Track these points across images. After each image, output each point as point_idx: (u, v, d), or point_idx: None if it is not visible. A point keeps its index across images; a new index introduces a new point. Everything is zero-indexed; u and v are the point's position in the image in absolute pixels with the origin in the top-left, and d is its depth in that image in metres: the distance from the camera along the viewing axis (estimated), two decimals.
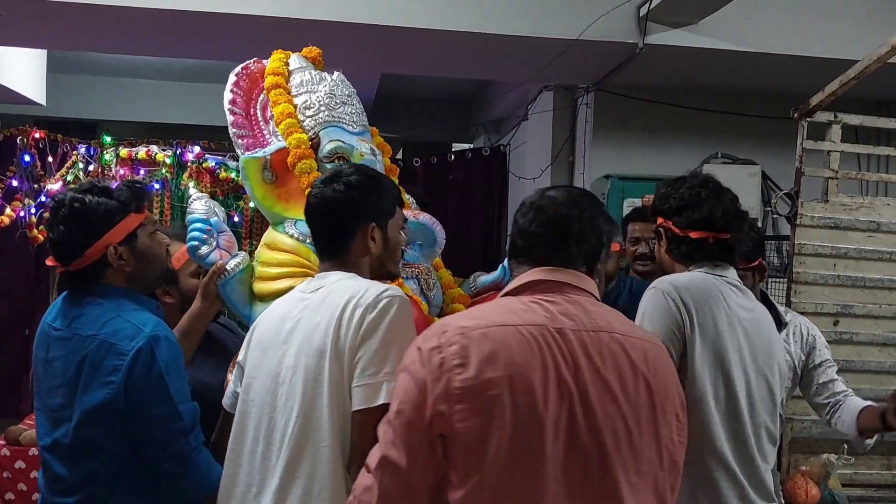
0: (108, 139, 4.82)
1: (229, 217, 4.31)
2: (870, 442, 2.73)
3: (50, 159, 4.85)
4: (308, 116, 2.53)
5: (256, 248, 2.53)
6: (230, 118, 2.56)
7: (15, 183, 4.73)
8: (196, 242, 2.39)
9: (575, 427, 1.46)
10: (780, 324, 2.73)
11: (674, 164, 5.22)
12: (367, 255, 1.93)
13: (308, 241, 2.26)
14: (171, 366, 1.94)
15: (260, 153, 2.47)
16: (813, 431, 3.31)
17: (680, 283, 2.12)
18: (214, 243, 2.41)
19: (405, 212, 2.40)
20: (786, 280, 3.47)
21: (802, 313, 3.13)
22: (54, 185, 4.62)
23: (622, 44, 4.41)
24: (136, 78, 7.44)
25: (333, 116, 2.54)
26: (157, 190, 4.62)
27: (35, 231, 4.70)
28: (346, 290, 1.81)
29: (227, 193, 4.53)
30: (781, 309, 2.86)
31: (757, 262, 2.67)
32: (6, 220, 4.60)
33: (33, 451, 3.63)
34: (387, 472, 1.48)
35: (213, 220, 2.43)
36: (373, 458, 1.51)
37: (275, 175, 2.47)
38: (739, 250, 2.26)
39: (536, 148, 5.95)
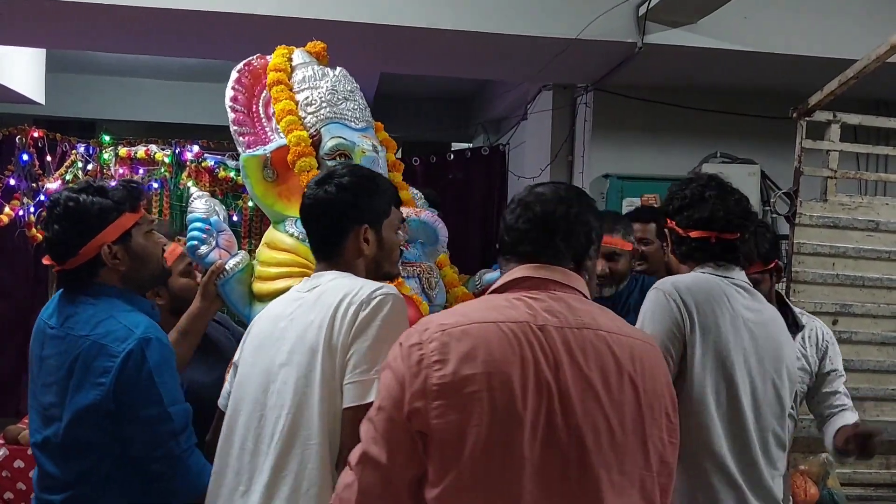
0: (107, 138, 4.82)
1: (228, 216, 4.30)
2: (850, 459, 2.65)
3: (49, 158, 4.85)
4: (309, 113, 2.52)
5: (255, 248, 2.52)
6: (231, 116, 2.55)
7: (13, 182, 4.73)
8: (195, 242, 2.38)
9: (553, 425, 1.44)
10: (797, 327, 2.69)
11: (673, 164, 5.24)
12: (361, 256, 1.93)
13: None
14: (162, 367, 1.94)
15: (260, 151, 2.46)
16: (812, 431, 3.30)
17: (682, 283, 2.10)
18: (214, 243, 2.40)
19: (406, 210, 2.40)
20: (785, 279, 3.47)
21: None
22: (53, 185, 4.61)
23: (621, 43, 4.41)
24: (135, 77, 7.43)
25: (335, 113, 2.52)
26: (156, 189, 4.62)
27: (34, 230, 4.70)
28: (340, 288, 1.81)
29: (227, 192, 4.53)
30: (797, 311, 2.80)
31: (773, 264, 2.62)
32: (5, 220, 4.60)
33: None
34: (367, 468, 1.48)
35: (213, 219, 2.42)
36: (354, 454, 1.52)
37: (275, 173, 2.46)
38: (746, 251, 2.23)
39: (536, 147, 5.95)
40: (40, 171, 4.82)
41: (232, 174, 4.53)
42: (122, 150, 4.69)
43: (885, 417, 3.44)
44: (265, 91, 2.62)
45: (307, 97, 2.55)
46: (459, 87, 7.34)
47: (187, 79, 7.42)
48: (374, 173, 2.08)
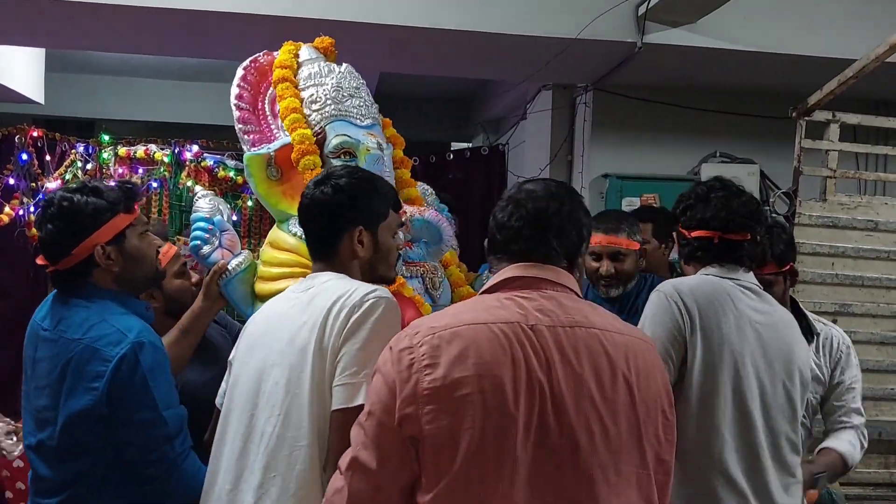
0: (107, 138, 4.82)
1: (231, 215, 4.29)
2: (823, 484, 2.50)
3: (48, 158, 4.84)
4: (314, 111, 2.50)
5: (254, 247, 2.51)
6: (236, 114, 2.53)
7: (12, 181, 4.72)
8: (198, 241, 2.38)
9: (546, 425, 1.43)
10: (811, 334, 2.59)
11: (672, 164, 5.24)
12: (356, 258, 1.92)
13: None
14: (156, 371, 1.93)
15: (264, 150, 2.44)
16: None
17: (684, 285, 2.08)
18: (217, 242, 2.39)
19: (411, 208, 2.39)
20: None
21: None
22: (52, 184, 4.61)
23: (621, 43, 4.41)
24: (134, 77, 7.42)
25: (340, 110, 2.51)
26: (155, 189, 4.62)
27: (34, 230, 4.69)
28: (334, 290, 1.81)
29: (226, 192, 4.54)
30: (812, 317, 2.71)
31: (788, 266, 2.53)
32: (5, 219, 4.59)
33: None
34: (357, 474, 1.47)
35: (217, 218, 2.41)
36: (344, 459, 1.51)
37: (279, 171, 2.44)
38: (755, 253, 2.19)
39: (535, 147, 5.94)
40: (39, 171, 4.82)
41: (231, 174, 4.54)
42: (122, 150, 4.69)
43: (883, 417, 3.45)
44: (271, 88, 2.59)
45: (312, 94, 2.53)
46: (459, 87, 7.34)
47: (187, 78, 7.41)
48: (374, 175, 2.07)
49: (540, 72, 4.96)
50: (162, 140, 4.84)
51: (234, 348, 1.97)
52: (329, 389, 1.72)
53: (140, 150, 4.67)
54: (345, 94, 2.54)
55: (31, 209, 4.72)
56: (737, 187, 2.20)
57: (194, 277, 2.52)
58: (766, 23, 4.45)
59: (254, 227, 4.58)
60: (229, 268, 2.35)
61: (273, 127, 2.55)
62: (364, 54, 4.75)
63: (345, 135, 2.45)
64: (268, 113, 2.59)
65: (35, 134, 4.83)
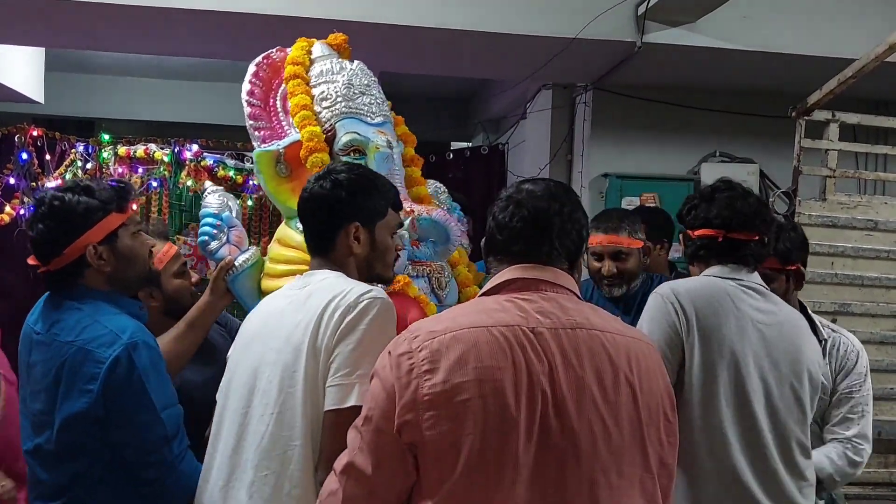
0: (107, 137, 4.82)
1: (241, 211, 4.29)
2: None
3: (48, 157, 4.84)
4: (325, 108, 2.50)
5: (254, 246, 2.51)
6: (247, 110, 2.52)
7: (12, 181, 4.72)
8: (206, 237, 2.38)
9: (548, 429, 1.42)
10: (818, 340, 2.38)
11: (672, 163, 5.25)
12: (352, 254, 1.92)
13: None
14: (151, 371, 1.91)
15: (273, 146, 2.43)
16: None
17: (681, 287, 2.06)
18: (224, 238, 2.39)
19: (419, 207, 2.39)
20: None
21: None
22: (52, 184, 4.61)
23: (620, 42, 4.41)
24: (134, 76, 7.42)
25: (350, 107, 2.50)
26: (155, 188, 4.62)
27: None
28: (329, 289, 1.80)
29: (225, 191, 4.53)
30: (822, 322, 2.63)
31: (794, 267, 2.45)
32: (6, 219, 4.59)
33: None
34: (351, 478, 1.47)
35: (225, 214, 2.41)
36: (340, 462, 1.51)
37: (289, 168, 2.43)
38: (761, 253, 2.15)
39: (535, 146, 5.95)
40: (39, 170, 4.81)
41: (231, 173, 4.53)
42: (122, 149, 4.68)
43: (883, 417, 3.45)
44: (283, 85, 2.58)
45: (323, 91, 2.52)
46: (458, 87, 7.33)
47: (186, 78, 7.41)
48: (375, 174, 2.07)
49: (540, 71, 4.96)
50: (162, 139, 4.83)
51: (233, 344, 1.97)
52: (322, 390, 1.72)
53: (140, 150, 4.66)
54: (356, 91, 2.53)
55: (32, 209, 4.71)
56: (743, 189, 2.18)
57: (194, 277, 2.52)
58: (765, 22, 4.45)
59: (254, 227, 4.58)
60: (236, 264, 2.35)
61: (284, 123, 2.54)
62: (364, 53, 4.72)
63: (354, 132, 2.44)
64: (279, 109, 2.58)
65: (35, 133, 4.82)
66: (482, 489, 1.40)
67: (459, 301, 2.56)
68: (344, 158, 2.40)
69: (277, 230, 2.51)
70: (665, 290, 2.07)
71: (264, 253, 2.51)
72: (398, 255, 2.09)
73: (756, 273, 2.14)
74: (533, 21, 4.32)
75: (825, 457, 2.40)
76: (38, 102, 6.38)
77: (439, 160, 6.17)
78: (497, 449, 1.40)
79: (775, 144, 5.01)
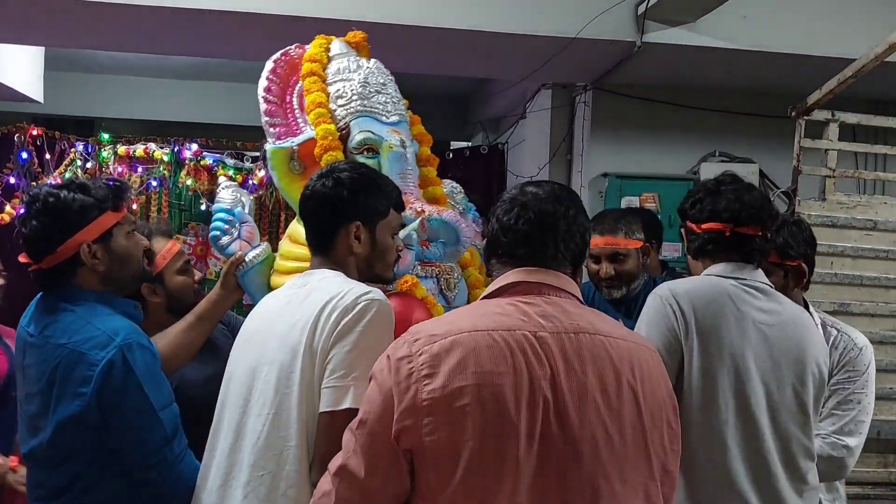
0: (106, 136, 4.82)
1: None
2: None
3: (48, 157, 4.84)
4: (340, 106, 2.49)
5: (265, 242, 2.51)
6: (263, 106, 2.52)
7: (13, 180, 4.72)
8: (218, 232, 2.38)
9: (549, 436, 1.40)
10: None
11: (671, 163, 5.25)
12: (352, 254, 1.91)
13: None
14: (147, 372, 1.89)
15: (287, 143, 2.43)
16: None
17: (680, 288, 2.01)
18: (236, 233, 2.39)
19: (429, 207, 2.39)
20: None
21: None
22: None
23: (620, 42, 4.41)
24: (133, 76, 7.41)
25: (366, 106, 2.49)
26: (154, 187, 4.62)
27: None
28: (328, 289, 1.79)
29: None
30: (829, 321, 2.56)
31: (795, 263, 2.37)
32: (6, 218, 4.59)
33: None
34: (344, 481, 1.46)
35: (237, 210, 2.42)
36: (334, 464, 1.50)
37: (302, 166, 2.42)
38: (765, 249, 2.10)
39: (534, 146, 5.95)
40: (40, 170, 4.82)
41: (230, 172, 4.54)
42: (121, 149, 4.69)
43: (882, 416, 3.45)
44: (301, 82, 2.58)
45: (339, 89, 2.52)
46: (458, 86, 7.33)
47: (186, 77, 7.41)
48: (377, 173, 2.06)
49: (539, 71, 4.96)
50: (161, 139, 4.84)
51: (234, 342, 1.96)
52: (318, 391, 1.71)
53: (139, 149, 4.67)
54: (371, 89, 2.53)
55: (25, 206, 4.71)
56: (747, 182, 2.13)
57: (197, 275, 2.52)
58: (765, 22, 4.46)
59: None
60: (246, 259, 2.35)
61: (300, 120, 2.53)
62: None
63: (369, 131, 2.44)
64: (295, 106, 2.57)
65: (34, 132, 4.83)
66: (482, 495, 1.38)
67: (469, 302, 2.54)
68: (358, 157, 2.40)
69: (289, 227, 2.52)
70: (663, 291, 2.03)
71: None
72: (399, 256, 2.09)
73: (760, 271, 2.08)
74: (532, 21, 4.32)
75: None
76: (37, 102, 6.37)
77: (439, 160, 6.17)
78: (497, 455, 1.38)
79: (775, 144, 5.02)
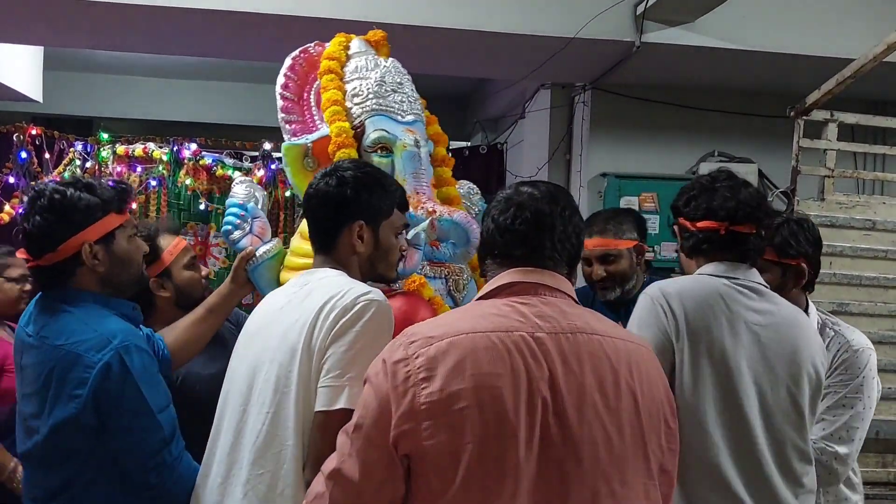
0: (105, 136, 4.81)
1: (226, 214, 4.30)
2: None
3: (47, 156, 4.84)
4: (356, 104, 2.49)
5: (277, 238, 2.52)
6: (279, 103, 2.52)
7: (12, 180, 4.72)
8: (230, 227, 2.40)
9: (548, 437, 1.39)
10: None
11: (670, 163, 5.26)
12: (355, 253, 1.91)
13: None
14: (145, 375, 1.88)
15: (302, 140, 2.43)
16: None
17: (670, 287, 1.98)
18: (248, 228, 2.40)
19: (440, 208, 2.39)
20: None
21: None
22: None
23: (619, 42, 4.42)
24: (132, 75, 7.42)
25: (381, 105, 2.49)
26: (154, 187, 4.62)
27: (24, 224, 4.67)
28: (328, 288, 1.79)
29: (225, 191, 4.53)
30: (830, 321, 2.47)
31: (794, 262, 2.30)
32: (6, 218, 4.58)
33: None
34: (339, 484, 1.45)
35: (250, 205, 2.43)
36: (328, 466, 1.49)
37: (316, 163, 2.41)
38: (758, 246, 2.05)
39: (533, 146, 5.95)
40: (39, 169, 4.81)
41: (229, 172, 4.53)
42: (120, 148, 4.68)
43: (881, 416, 3.45)
44: (318, 79, 2.58)
45: (355, 87, 2.52)
46: (457, 86, 7.34)
47: (185, 77, 7.41)
48: (382, 172, 2.06)
49: (538, 71, 4.96)
50: (160, 138, 4.83)
51: (237, 339, 1.97)
52: (314, 390, 1.71)
53: (138, 149, 4.66)
54: (387, 88, 2.53)
55: (27, 201, 4.71)
56: (742, 178, 2.09)
57: (204, 270, 2.55)
58: (764, 22, 4.46)
59: None
60: (257, 254, 2.35)
61: (317, 118, 2.54)
62: None
63: (383, 130, 2.44)
64: (313, 104, 2.57)
65: (34, 132, 4.82)
66: (482, 498, 1.37)
67: None
68: (371, 155, 2.40)
69: (301, 223, 2.53)
70: (654, 290, 1.99)
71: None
72: (402, 256, 2.08)
73: (755, 270, 2.05)
74: (531, 20, 4.32)
75: None
76: (36, 101, 6.38)
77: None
78: (496, 458, 1.37)
79: (774, 144, 5.02)
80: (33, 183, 4.67)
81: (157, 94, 7.54)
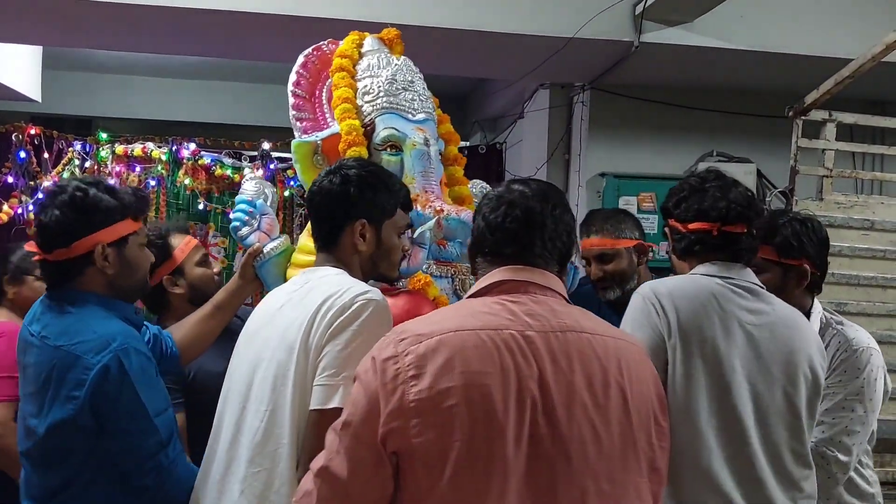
0: (104, 136, 4.81)
1: (225, 214, 4.31)
2: None
3: (46, 156, 4.83)
4: (367, 102, 2.50)
5: (284, 234, 2.53)
6: (291, 100, 2.54)
7: (10, 179, 4.72)
8: (238, 223, 2.41)
9: (537, 435, 1.39)
10: None
11: (669, 163, 5.26)
12: (357, 252, 1.91)
13: None
14: (142, 377, 1.89)
15: (312, 137, 2.44)
16: None
17: (662, 287, 1.96)
18: (256, 225, 2.41)
19: (448, 207, 2.39)
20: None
21: None
22: (50, 182, 4.60)
23: (618, 42, 4.42)
24: (131, 75, 7.41)
25: (392, 103, 2.50)
26: (153, 187, 4.61)
27: (33, 228, 4.67)
28: (327, 287, 1.79)
29: (223, 191, 4.53)
30: (834, 321, 2.43)
31: (796, 262, 2.26)
32: (4, 218, 4.58)
33: None
34: (326, 482, 1.45)
35: (258, 202, 2.44)
36: (316, 464, 1.49)
37: (326, 160, 2.41)
38: (751, 245, 2.03)
39: (532, 146, 5.95)
40: (38, 169, 4.81)
41: (228, 172, 4.53)
42: (119, 148, 4.67)
43: (880, 416, 3.45)
44: (330, 77, 2.59)
45: (367, 85, 2.53)
46: (456, 86, 7.33)
47: (184, 76, 7.41)
48: (385, 171, 2.06)
49: (537, 71, 4.97)
50: (159, 138, 4.83)
51: (239, 337, 1.97)
52: (310, 389, 1.71)
53: (137, 148, 4.65)
54: (398, 86, 2.54)
55: (30, 207, 4.71)
56: (730, 178, 2.06)
57: (216, 267, 2.58)
58: (762, 22, 4.47)
59: None
60: (264, 251, 2.36)
61: (327, 116, 2.55)
62: None
63: (393, 128, 2.45)
64: (324, 101, 2.58)
65: (32, 132, 4.82)
66: (470, 496, 1.37)
67: None
68: (381, 153, 2.41)
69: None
70: (645, 289, 1.97)
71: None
72: (405, 255, 2.08)
73: (749, 270, 2.02)
74: (530, 20, 4.32)
75: None
76: (35, 101, 6.37)
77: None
78: (485, 456, 1.37)
79: (772, 144, 5.02)
80: (32, 183, 4.67)
81: (156, 94, 7.54)
